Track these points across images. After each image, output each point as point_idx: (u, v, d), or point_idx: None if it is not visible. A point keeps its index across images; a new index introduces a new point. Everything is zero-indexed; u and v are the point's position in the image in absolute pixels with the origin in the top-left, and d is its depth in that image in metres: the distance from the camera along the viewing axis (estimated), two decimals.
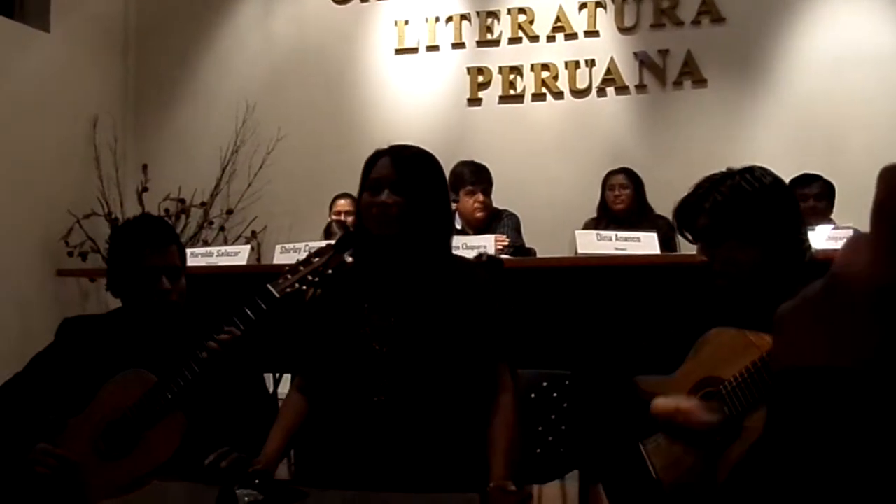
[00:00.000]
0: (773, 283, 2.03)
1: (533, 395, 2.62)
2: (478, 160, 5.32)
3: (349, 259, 2.23)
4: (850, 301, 0.48)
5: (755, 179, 2.04)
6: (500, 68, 6.74)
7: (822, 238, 3.67)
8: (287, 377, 5.31)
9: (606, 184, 5.66)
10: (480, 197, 5.11)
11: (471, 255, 2.55)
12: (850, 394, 0.46)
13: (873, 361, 0.46)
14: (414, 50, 6.94)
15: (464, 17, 6.83)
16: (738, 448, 1.94)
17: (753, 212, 2.01)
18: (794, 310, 0.51)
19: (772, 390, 0.51)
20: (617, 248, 4.02)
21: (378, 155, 2.24)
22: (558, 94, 6.63)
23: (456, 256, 2.29)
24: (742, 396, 1.94)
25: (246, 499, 1.79)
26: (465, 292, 2.16)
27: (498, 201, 5.30)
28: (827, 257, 2.09)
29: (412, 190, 2.18)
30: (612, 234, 4.21)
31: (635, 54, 6.49)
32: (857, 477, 0.44)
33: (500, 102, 6.74)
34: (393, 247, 2.20)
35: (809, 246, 2.08)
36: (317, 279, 2.20)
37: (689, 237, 2.14)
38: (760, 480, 0.47)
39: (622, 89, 6.51)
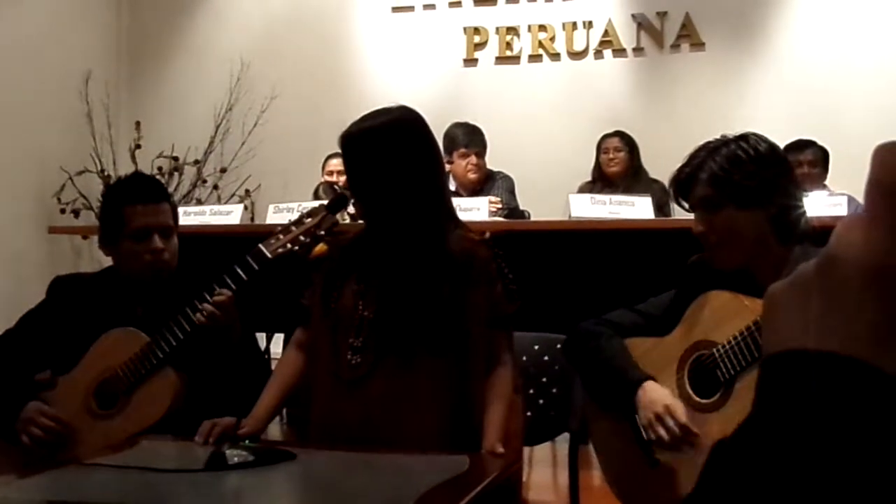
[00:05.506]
0: (769, 250, 2.04)
1: (525, 359, 2.63)
2: (472, 122, 5.30)
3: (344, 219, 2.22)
4: (843, 282, 0.46)
5: (750, 146, 2.04)
6: (497, 28, 6.68)
7: (817, 204, 3.66)
8: (278, 336, 5.32)
9: (601, 147, 5.63)
10: (474, 159, 5.09)
11: (464, 217, 2.53)
12: (839, 380, 0.45)
13: (864, 346, 0.45)
14: (410, 8, 6.87)
15: None
16: (731, 408, 1.97)
17: (750, 179, 2.01)
18: (786, 288, 0.50)
19: (759, 375, 0.50)
20: (611, 212, 4.01)
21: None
22: (555, 56, 6.58)
23: (457, 232, 2.21)
24: (735, 359, 1.97)
25: (235, 459, 1.80)
26: (461, 267, 2.12)
27: (492, 163, 5.28)
28: (821, 224, 2.11)
29: (361, 182, 2.17)
30: (606, 197, 4.20)
31: (633, 16, 6.43)
32: (845, 468, 0.44)
33: (496, 63, 6.69)
34: (374, 235, 2.21)
35: (805, 212, 2.08)
36: (309, 240, 2.19)
37: (686, 207, 2.14)
38: (744, 467, 0.47)
39: (619, 52, 6.46)
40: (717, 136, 2.12)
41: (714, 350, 2.02)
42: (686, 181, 2.10)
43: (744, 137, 2.07)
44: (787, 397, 0.46)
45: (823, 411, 0.44)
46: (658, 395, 2.07)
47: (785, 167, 2.10)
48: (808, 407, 0.44)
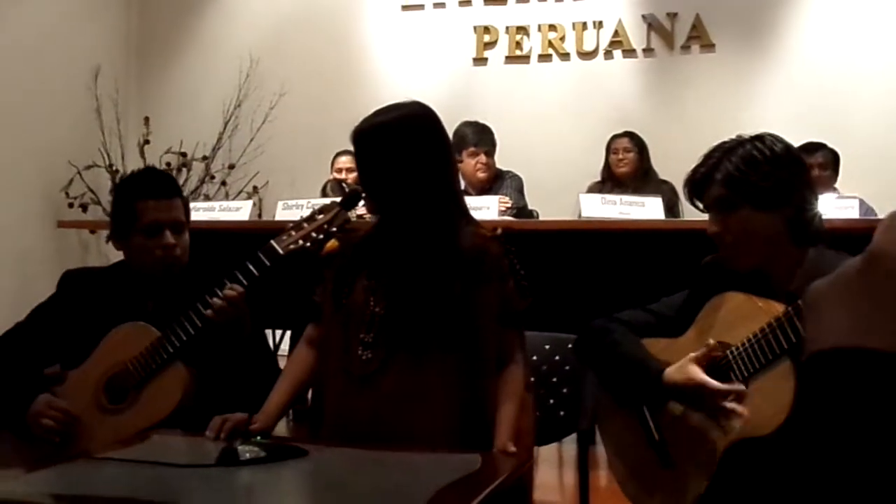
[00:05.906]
0: (783, 252, 2.03)
1: (535, 358, 2.62)
2: (482, 121, 5.29)
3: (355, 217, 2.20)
4: (887, 279, 0.46)
5: (766, 147, 2.02)
6: (507, 28, 6.68)
7: (827, 207, 3.65)
8: (288, 334, 5.32)
9: (610, 147, 5.63)
10: (483, 158, 5.09)
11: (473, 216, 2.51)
12: (883, 377, 0.44)
13: None
14: (420, 7, 6.87)
15: None
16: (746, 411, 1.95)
17: (766, 179, 2.00)
18: (828, 287, 0.49)
19: (803, 372, 0.49)
20: (621, 213, 4.01)
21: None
22: (565, 56, 6.58)
23: (468, 228, 2.20)
24: (748, 361, 1.95)
25: (247, 455, 1.80)
26: (472, 263, 2.11)
27: (502, 162, 5.28)
28: (831, 227, 2.09)
29: (373, 178, 2.15)
30: (616, 198, 4.19)
31: (643, 17, 6.43)
32: (887, 465, 0.43)
33: (506, 63, 6.69)
34: (385, 231, 2.20)
35: (820, 214, 2.07)
36: (321, 237, 2.18)
37: (700, 207, 2.12)
38: (789, 461, 0.46)
39: (629, 52, 6.46)
40: (731, 137, 2.10)
41: (728, 352, 2.00)
42: (701, 181, 2.08)
43: (759, 138, 2.05)
44: (830, 395, 0.45)
45: (866, 408, 0.44)
46: (679, 376, 2.04)
47: (801, 168, 2.08)
48: (851, 404, 0.44)
